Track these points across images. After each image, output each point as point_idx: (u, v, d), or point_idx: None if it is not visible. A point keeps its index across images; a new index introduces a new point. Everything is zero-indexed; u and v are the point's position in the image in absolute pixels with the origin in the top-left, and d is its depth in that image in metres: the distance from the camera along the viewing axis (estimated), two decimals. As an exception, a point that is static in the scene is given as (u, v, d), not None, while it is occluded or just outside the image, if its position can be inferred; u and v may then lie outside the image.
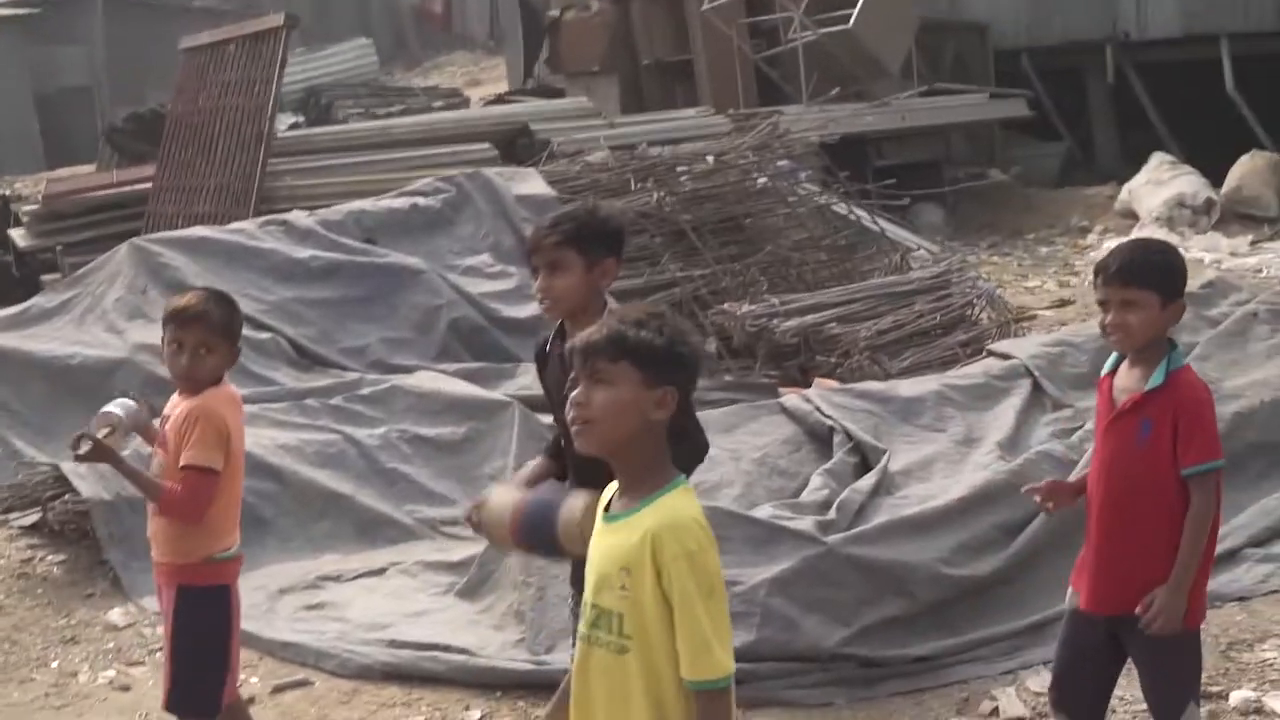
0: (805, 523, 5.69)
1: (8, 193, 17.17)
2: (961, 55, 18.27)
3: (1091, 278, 4.26)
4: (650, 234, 9.85)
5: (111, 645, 6.13)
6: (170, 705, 4.42)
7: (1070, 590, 4.07)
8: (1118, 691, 4.19)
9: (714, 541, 2.90)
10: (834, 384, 7.86)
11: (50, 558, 6.99)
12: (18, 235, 13.65)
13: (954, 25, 18.31)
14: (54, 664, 5.98)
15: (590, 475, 3.09)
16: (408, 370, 8.56)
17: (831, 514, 5.81)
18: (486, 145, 13.12)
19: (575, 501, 3.43)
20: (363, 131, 14.52)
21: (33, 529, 7.22)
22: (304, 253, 9.32)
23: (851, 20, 15.51)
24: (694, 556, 2.83)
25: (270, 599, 6.34)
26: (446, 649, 5.73)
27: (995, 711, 5.05)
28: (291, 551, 6.96)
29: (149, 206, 13.00)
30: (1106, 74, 17.49)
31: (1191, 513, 3.81)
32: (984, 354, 7.95)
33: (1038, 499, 4.08)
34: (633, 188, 10.29)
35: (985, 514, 5.86)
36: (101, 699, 5.64)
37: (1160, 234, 13.02)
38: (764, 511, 5.83)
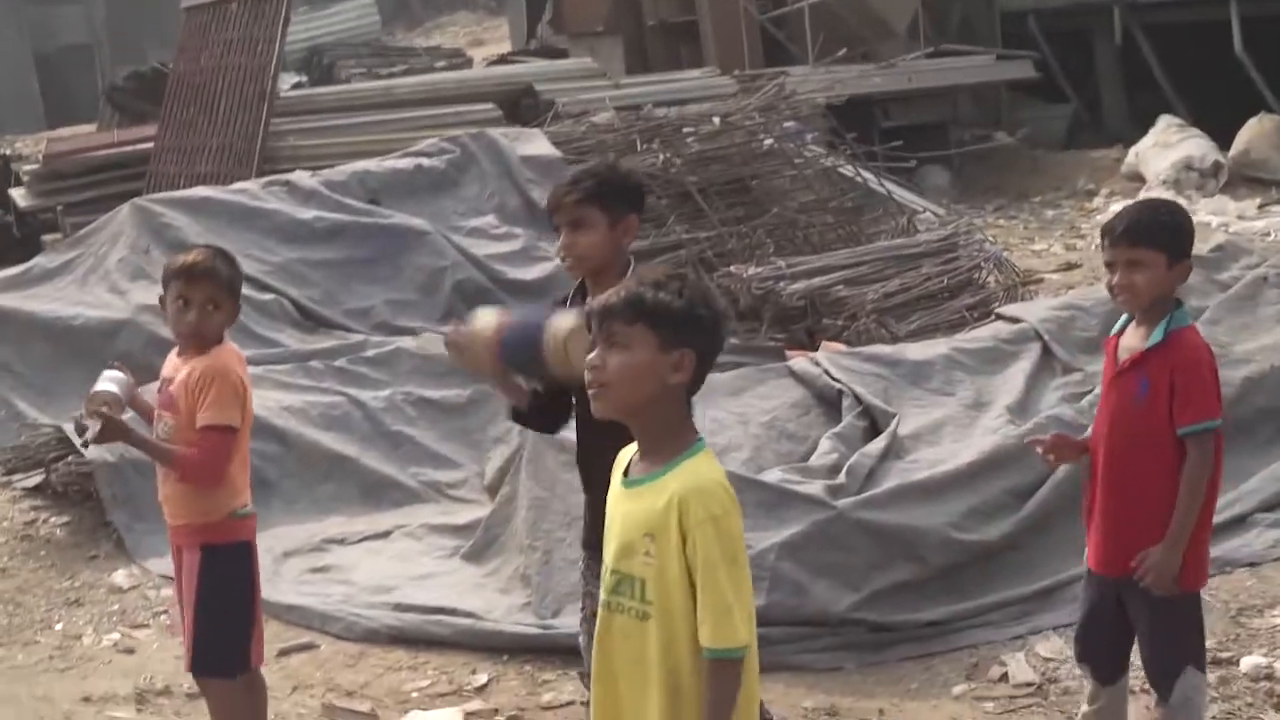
0: (815, 487, 5.66)
1: (8, 152, 17.14)
2: (968, 16, 18.13)
3: (1099, 240, 4.21)
4: (656, 195, 9.78)
5: (116, 608, 6.11)
6: (197, 667, 4.34)
7: (1088, 547, 4.06)
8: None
9: (738, 506, 2.87)
10: (841, 347, 7.81)
11: (54, 519, 6.97)
12: (18, 195, 13.61)
13: (961, -14, 18.19)
14: (58, 626, 5.96)
15: (608, 437, 3.03)
16: (413, 332, 8.51)
17: (841, 478, 5.78)
18: (490, 106, 13.05)
19: (562, 320, 3.43)
20: (366, 91, 14.43)
21: (36, 491, 7.21)
22: (308, 213, 9.25)
23: (858, -20, 15.43)
24: (719, 521, 2.81)
25: (275, 562, 6.30)
26: (453, 612, 5.72)
27: (1005, 676, 5.04)
28: (296, 514, 6.95)
29: (151, 166, 12.93)
30: (1114, 35, 17.36)
31: (1186, 472, 3.78)
32: (992, 317, 7.90)
33: (1040, 450, 4.06)
34: (638, 149, 10.22)
35: (995, 478, 5.84)
36: (106, 661, 5.62)
37: (1167, 196, 12.93)
38: (773, 475, 5.79)
